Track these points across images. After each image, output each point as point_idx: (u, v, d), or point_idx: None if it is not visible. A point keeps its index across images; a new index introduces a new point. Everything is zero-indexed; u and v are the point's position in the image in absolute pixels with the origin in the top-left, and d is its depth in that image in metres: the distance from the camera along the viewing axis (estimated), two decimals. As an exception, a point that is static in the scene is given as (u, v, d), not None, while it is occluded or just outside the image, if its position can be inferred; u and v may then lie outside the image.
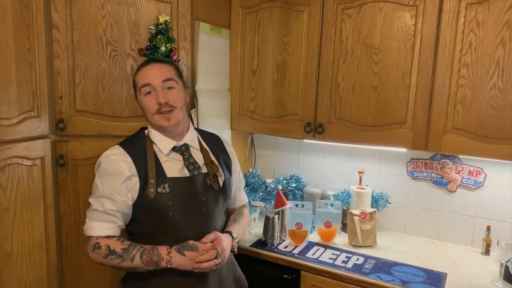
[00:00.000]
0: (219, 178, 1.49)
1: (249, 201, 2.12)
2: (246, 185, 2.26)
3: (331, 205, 2.04)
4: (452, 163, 2.04)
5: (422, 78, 1.75)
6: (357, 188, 2.15)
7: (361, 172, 2.16)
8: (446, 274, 1.72)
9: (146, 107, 1.40)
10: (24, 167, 1.48)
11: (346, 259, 1.83)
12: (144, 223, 1.38)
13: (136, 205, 1.37)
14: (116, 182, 1.35)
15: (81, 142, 1.67)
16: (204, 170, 1.46)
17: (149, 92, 1.39)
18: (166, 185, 1.37)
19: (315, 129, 2.00)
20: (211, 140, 1.59)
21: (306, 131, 2.02)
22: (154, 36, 1.49)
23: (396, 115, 1.82)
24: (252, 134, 2.56)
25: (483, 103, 1.64)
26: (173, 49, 1.52)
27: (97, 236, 1.35)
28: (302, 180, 2.38)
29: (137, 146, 1.42)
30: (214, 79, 2.09)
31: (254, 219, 2.17)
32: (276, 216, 1.97)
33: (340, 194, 2.16)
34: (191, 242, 1.35)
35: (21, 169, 1.47)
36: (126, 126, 1.71)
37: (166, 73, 1.41)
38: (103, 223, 1.36)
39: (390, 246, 2.00)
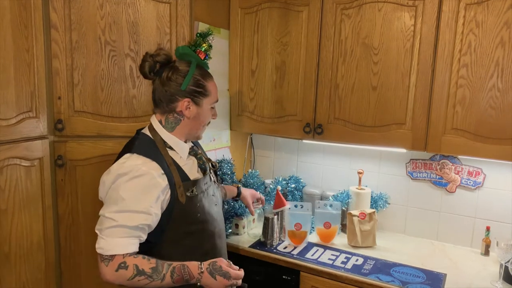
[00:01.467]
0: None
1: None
2: (246, 185, 2.26)
3: (331, 205, 2.04)
4: (451, 164, 2.03)
5: (421, 79, 1.74)
6: (357, 188, 2.14)
7: (361, 173, 2.15)
8: (445, 275, 1.72)
9: (204, 118, 1.41)
10: (23, 168, 1.48)
11: (345, 260, 1.82)
12: (170, 230, 1.31)
13: (165, 214, 1.29)
14: (151, 196, 1.24)
15: (80, 143, 1.67)
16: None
17: (214, 107, 1.46)
18: (193, 188, 1.34)
19: (315, 130, 2.00)
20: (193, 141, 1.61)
21: (306, 132, 2.02)
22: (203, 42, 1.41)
23: (396, 115, 1.81)
24: (251, 134, 2.55)
25: (483, 104, 1.64)
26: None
27: (123, 255, 1.20)
28: (302, 180, 2.38)
29: (154, 153, 1.31)
30: (213, 80, 2.08)
31: (254, 219, 2.17)
32: (276, 217, 1.96)
33: (339, 195, 2.16)
34: (224, 266, 1.28)
35: (19, 170, 1.46)
36: (125, 127, 1.70)
37: None
38: (129, 239, 1.21)
39: (390, 247, 1.99)
